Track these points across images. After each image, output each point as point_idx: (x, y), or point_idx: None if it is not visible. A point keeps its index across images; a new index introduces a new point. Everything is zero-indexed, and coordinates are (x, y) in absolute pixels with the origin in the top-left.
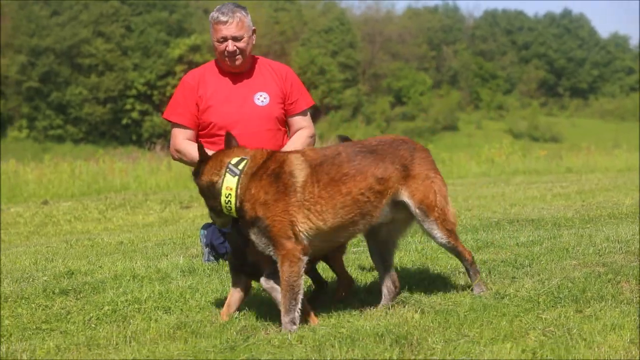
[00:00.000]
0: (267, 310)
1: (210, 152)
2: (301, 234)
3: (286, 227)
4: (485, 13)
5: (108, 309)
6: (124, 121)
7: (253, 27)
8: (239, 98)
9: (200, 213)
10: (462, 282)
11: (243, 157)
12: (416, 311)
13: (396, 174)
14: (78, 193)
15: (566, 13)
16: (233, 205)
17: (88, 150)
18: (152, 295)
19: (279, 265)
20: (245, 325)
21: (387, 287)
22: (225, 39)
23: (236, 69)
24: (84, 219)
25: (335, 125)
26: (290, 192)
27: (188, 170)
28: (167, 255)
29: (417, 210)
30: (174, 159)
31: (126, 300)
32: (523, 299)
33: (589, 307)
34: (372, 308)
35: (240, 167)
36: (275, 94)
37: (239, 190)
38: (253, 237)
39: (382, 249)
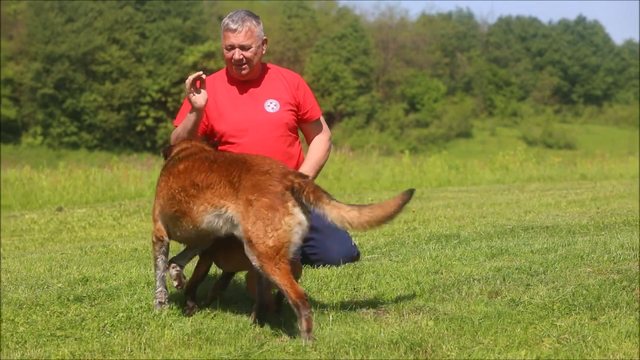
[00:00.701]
0: (281, 316)
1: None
2: (156, 216)
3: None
4: (500, 20)
5: (122, 316)
6: (138, 128)
7: (264, 37)
8: (248, 105)
9: None
10: (476, 290)
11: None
12: (430, 318)
13: (219, 187)
14: (92, 200)
15: (580, 20)
16: None
17: (102, 157)
18: (167, 302)
19: None
20: (259, 332)
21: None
22: (232, 47)
23: (243, 77)
24: (99, 226)
25: (349, 132)
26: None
27: None
28: None
29: (239, 231)
30: None
31: (141, 307)
32: (537, 306)
33: (604, 314)
34: (386, 315)
35: None
36: (285, 101)
37: None
38: None
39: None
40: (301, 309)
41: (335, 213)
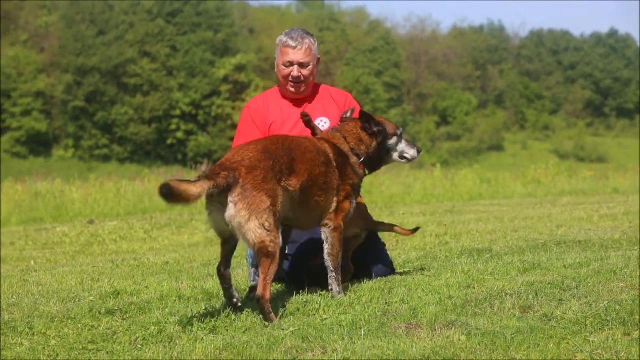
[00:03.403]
0: (313, 330)
1: None
2: None
3: None
4: (531, 33)
5: (154, 329)
6: (169, 141)
7: (318, 56)
8: (300, 123)
9: None
10: (509, 304)
11: None
12: (462, 333)
13: None
14: (123, 212)
15: (612, 32)
16: None
17: (133, 170)
18: (198, 315)
19: None
20: (291, 346)
21: None
22: (291, 63)
23: (298, 95)
24: (130, 239)
25: None
26: None
27: None
28: (212, 276)
29: None
30: None
31: (172, 321)
32: (570, 321)
33: (637, 329)
34: (418, 329)
35: None
36: (335, 120)
37: None
38: None
39: None
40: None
41: None
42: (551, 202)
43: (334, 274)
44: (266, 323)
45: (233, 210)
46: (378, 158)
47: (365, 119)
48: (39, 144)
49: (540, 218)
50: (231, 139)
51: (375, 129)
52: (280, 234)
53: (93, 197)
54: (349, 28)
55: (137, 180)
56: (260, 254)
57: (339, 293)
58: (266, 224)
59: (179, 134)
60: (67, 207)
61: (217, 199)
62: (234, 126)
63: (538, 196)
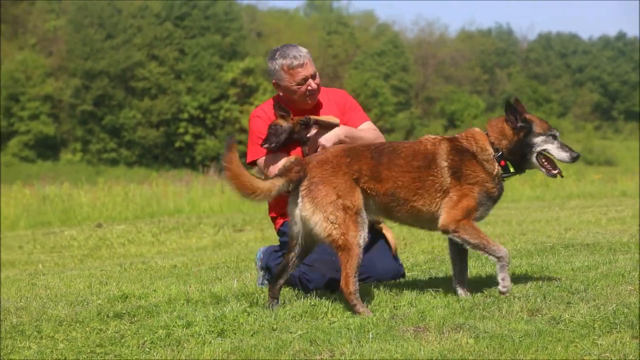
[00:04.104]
0: (321, 334)
1: None
2: None
3: None
4: (540, 36)
5: (162, 333)
6: (177, 144)
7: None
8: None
9: (253, 236)
10: (517, 307)
11: None
12: (471, 336)
13: None
14: (132, 216)
15: (621, 36)
16: None
17: (141, 174)
18: (206, 319)
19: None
20: (299, 350)
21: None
22: (306, 80)
23: (311, 106)
24: (138, 242)
25: None
26: None
27: None
28: (221, 279)
29: None
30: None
31: (180, 324)
32: (578, 324)
33: None
34: (426, 333)
35: None
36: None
37: None
38: None
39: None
40: None
41: None
42: (559, 205)
43: (498, 262)
44: (275, 327)
45: (300, 204)
46: (521, 155)
47: (511, 112)
48: (47, 148)
49: (548, 221)
50: (240, 142)
51: (520, 124)
52: (359, 228)
53: (101, 201)
54: (357, 32)
55: (145, 184)
56: (333, 248)
57: (504, 288)
58: (332, 217)
59: (187, 138)
60: (75, 211)
61: (293, 195)
62: (242, 130)
63: (546, 199)
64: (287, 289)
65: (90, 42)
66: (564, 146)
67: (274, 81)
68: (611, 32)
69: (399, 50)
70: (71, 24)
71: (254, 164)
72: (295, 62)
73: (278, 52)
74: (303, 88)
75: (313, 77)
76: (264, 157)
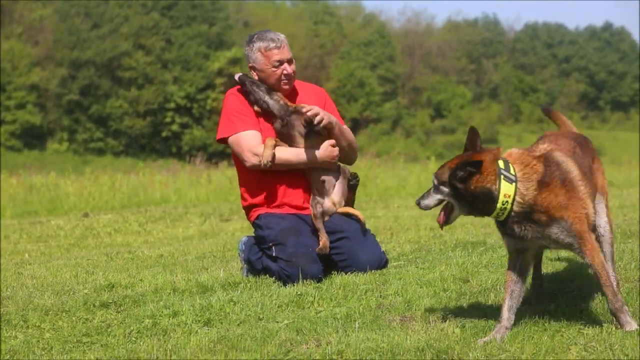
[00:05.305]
0: (307, 323)
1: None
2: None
3: (584, 221)
4: (526, 26)
5: (148, 323)
6: (164, 134)
7: None
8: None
9: (240, 226)
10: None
11: (505, 159)
12: (457, 326)
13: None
14: (118, 206)
15: (607, 26)
16: (507, 212)
17: (128, 163)
18: (192, 308)
19: (588, 259)
20: (285, 339)
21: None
22: (281, 63)
23: (286, 92)
24: (124, 232)
25: (375, 138)
26: (577, 187)
27: (228, 183)
28: (207, 269)
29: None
30: (252, 164)
31: (166, 314)
32: (564, 314)
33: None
34: (412, 322)
35: (512, 172)
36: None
37: (519, 198)
38: (551, 238)
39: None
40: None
41: None
42: None
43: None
44: (261, 317)
45: None
46: None
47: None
48: (33, 138)
49: None
50: None
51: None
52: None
53: (88, 191)
54: (344, 21)
55: (132, 174)
56: None
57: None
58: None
59: (174, 128)
60: (62, 201)
61: None
62: None
63: None
64: (272, 279)
65: (76, 32)
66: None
67: (250, 64)
68: (598, 23)
69: (386, 40)
70: (57, 14)
71: (224, 141)
72: (272, 44)
73: (256, 36)
74: (278, 71)
75: (289, 62)
76: (236, 134)
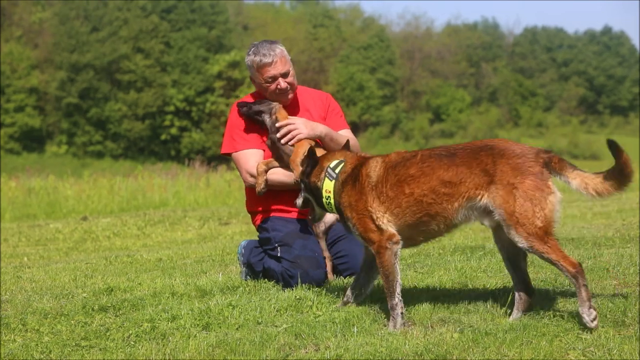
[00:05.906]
0: (306, 327)
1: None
2: (383, 225)
3: (368, 222)
4: (525, 30)
5: (147, 326)
6: (163, 137)
7: (289, 58)
8: None
9: (239, 229)
10: (501, 302)
11: (341, 159)
12: (455, 330)
13: (472, 178)
14: (117, 209)
15: (606, 30)
16: (333, 206)
17: (127, 166)
18: (191, 312)
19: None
20: (284, 344)
21: (519, 295)
22: (275, 78)
23: (286, 103)
24: (123, 235)
25: (374, 142)
26: (367, 191)
27: (227, 186)
28: (206, 273)
29: (497, 216)
30: (249, 184)
31: (165, 318)
32: (563, 318)
33: (630, 327)
34: (411, 326)
35: (337, 170)
36: (315, 118)
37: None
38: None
39: (510, 254)
40: (579, 279)
41: (578, 181)
42: None
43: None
44: (260, 321)
45: None
46: None
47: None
48: (32, 140)
49: None
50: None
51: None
52: None
53: (87, 194)
54: (343, 25)
55: (130, 177)
56: None
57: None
58: None
59: (173, 131)
60: (60, 204)
61: None
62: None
63: None
64: (271, 283)
65: (75, 35)
66: None
67: (250, 76)
68: (597, 27)
69: (385, 43)
70: (57, 17)
71: (227, 155)
72: (264, 60)
73: (252, 49)
74: (272, 86)
75: (284, 75)
76: (236, 152)
